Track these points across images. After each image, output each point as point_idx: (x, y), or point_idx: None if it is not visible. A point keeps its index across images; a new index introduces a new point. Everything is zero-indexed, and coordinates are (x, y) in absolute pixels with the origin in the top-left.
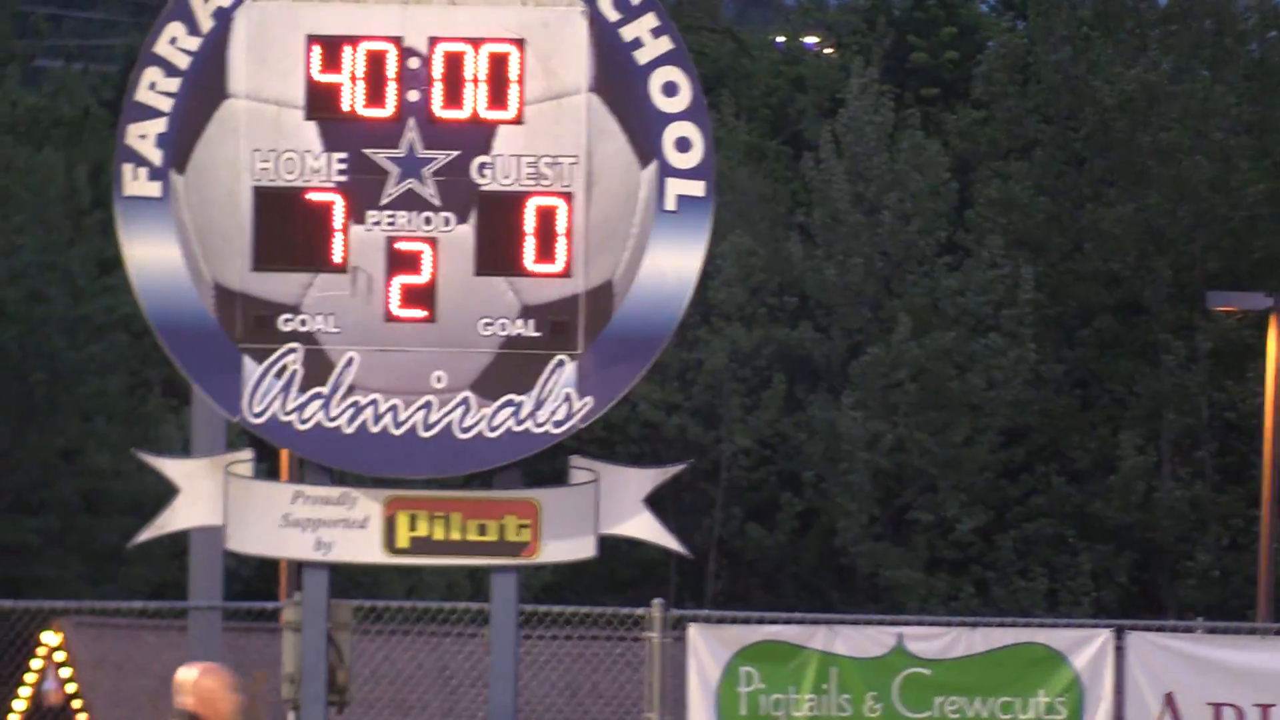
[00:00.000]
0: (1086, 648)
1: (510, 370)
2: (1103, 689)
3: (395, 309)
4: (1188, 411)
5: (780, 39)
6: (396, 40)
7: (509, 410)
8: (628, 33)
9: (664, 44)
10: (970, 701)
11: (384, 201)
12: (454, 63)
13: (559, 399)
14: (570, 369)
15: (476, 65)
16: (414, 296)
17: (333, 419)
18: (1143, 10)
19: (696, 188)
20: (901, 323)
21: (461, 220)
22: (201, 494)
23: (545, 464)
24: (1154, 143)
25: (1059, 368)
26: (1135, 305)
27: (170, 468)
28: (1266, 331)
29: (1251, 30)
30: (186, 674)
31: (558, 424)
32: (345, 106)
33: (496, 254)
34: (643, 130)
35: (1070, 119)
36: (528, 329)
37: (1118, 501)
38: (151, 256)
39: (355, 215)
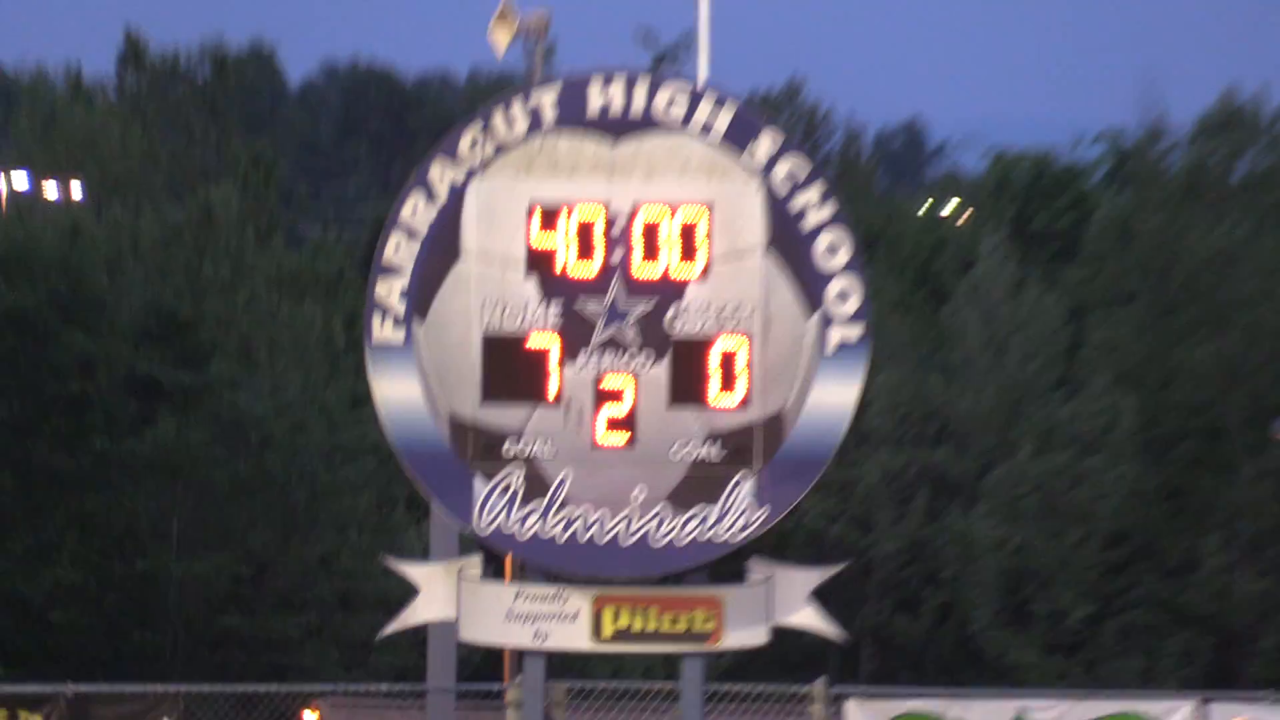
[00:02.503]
0: (1175, 716)
1: (698, 486)
2: None
3: (601, 436)
4: (1260, 517)
5: (924, 207)
6: (603, 208)
7: (697, 520)
8: (796, 203)
9: (827, 211)
10: None
11: (592, 345)
12: (651, 226)
13: (739, 511)
14: (749, 485)
15: (670, 228)
16: (617, 425)
17: (549, 529)
18: (1224, 182)
19: (854, 334)
20: (1024, 446)
21: (657, 361)
22: (438, 593)
23: (728, 564)
24: (1233, 294)
25: (1153, 482)
26: (1217, 430)
27: (412, 571)
28: None
29: None
30: None
31: (738, 532)
32: (559, 265)
33: (686, 389)
34: (809, 284)
35: (1164, 273)
36: (713, 452)
37: (1201, 593)
38: (396, 393)
39: (568, 357)
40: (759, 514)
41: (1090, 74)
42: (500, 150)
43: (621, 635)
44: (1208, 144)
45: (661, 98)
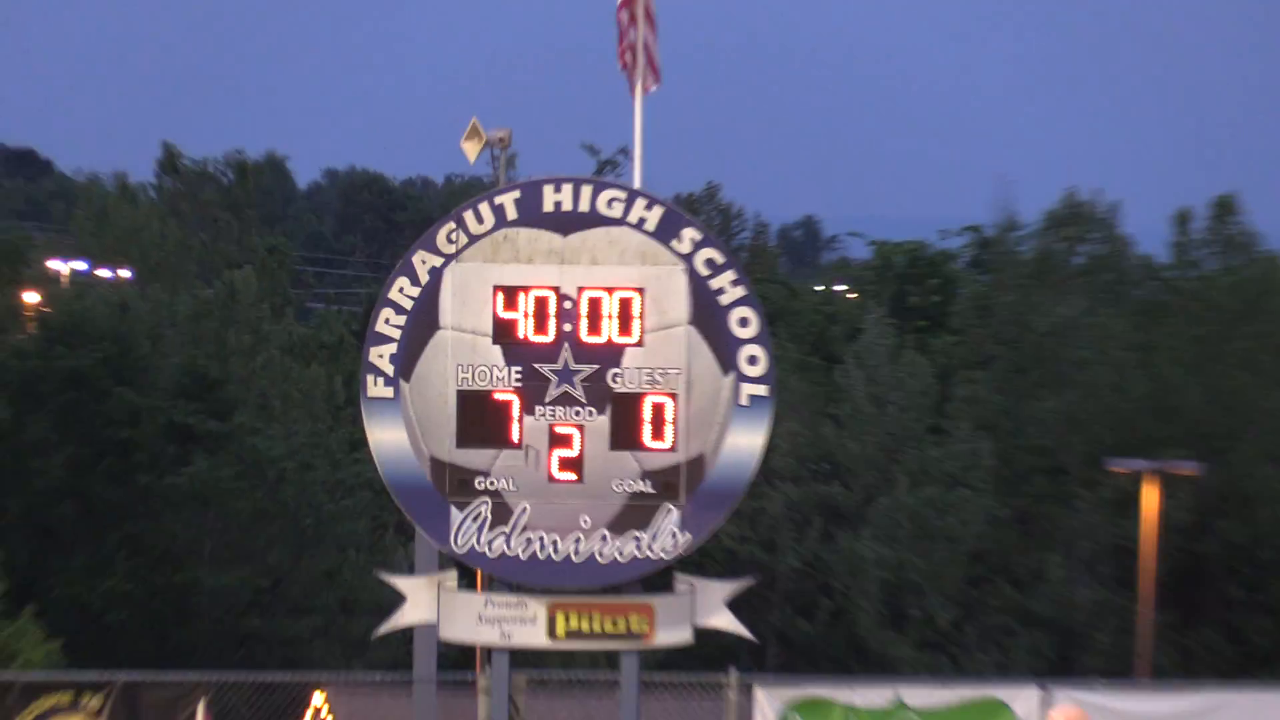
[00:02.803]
0: (1022, 696)
1: (634, 515)
2: None
3: (555, 473)
4: (1094, 540)
5: (819, 287)
6: (555, 289)
7: (634, 543)
8: (714, 284)
9: (739, 291)
10: None
11: (547, 400)
12: (595, 304)
13: (668, 534)
14: (675, 514)
15: (611, 305)
16: (568, 465)
17: (512, 549)
18: (1065, 266)
19: (761, 390)
20: (901, 481)
21: (600, 413)
22: (422, 600)
23: (658, 578)
24: (1072, 358)
25: (1007, 510)
26: (1059, 468)
27: (400, 583)
28: (1141, 485)
29: (1139, 280)
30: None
31: (666, 552)
32: (520, 334)
33: (624, 436)
34: (724, 350)
35: (1016, 341)
36: (646, 487)
37: (1046, 601)
38: (386, 438)
39: (527, 409)
40: (684, 538)
41: (954, 177)
42: (471, 240)
43: (572, 635)
44: (1053, 235)
45: (603, 199)
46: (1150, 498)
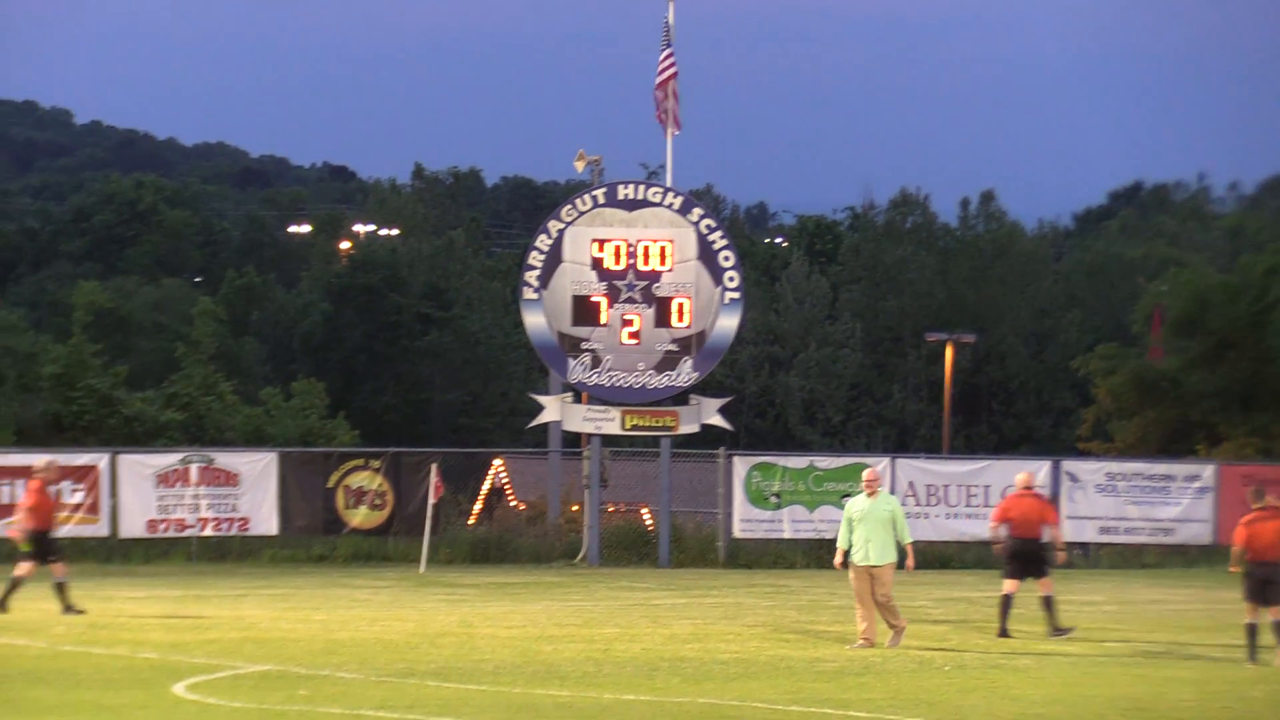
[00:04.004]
0: (878, 463)
1: (667, 362)
2: (888, 480)
3: (624, 340)
4: (917, 378)
5: (768, 240)
6: (625, 240)
7: (666, 377)
8: (710, 238)
9: (724, 241)
10: (836, 484)
11: (620, 300)
12: (646, 249)
13: (685, 373)
14: (689, 362)
15: (654, 250)
16: (632, 335)
17: (600, 381)
18: (903, 230)
19: (737, 296)
20: (810, 344)
21: (649, 307)
22: (553, 409)
23: (681, 397)
24: (905, 279)
25: (871, 359)
26: (899, 338)
27: (541, 399)
28: (945, 346)
29: (943, 234)
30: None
31: (684, 383)
32: (606, 265)
33: (662, 319)
34: (716, 273)
35: (874, 270)
36: (673, 347)
37: (893, 410)
38: (534, 321)
39: (611, 305)
40: (694, 375)
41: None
42: (580, 214)
43: (634, 427)
44: (895, 212)
45: (650, 192)
46: (949, 354)
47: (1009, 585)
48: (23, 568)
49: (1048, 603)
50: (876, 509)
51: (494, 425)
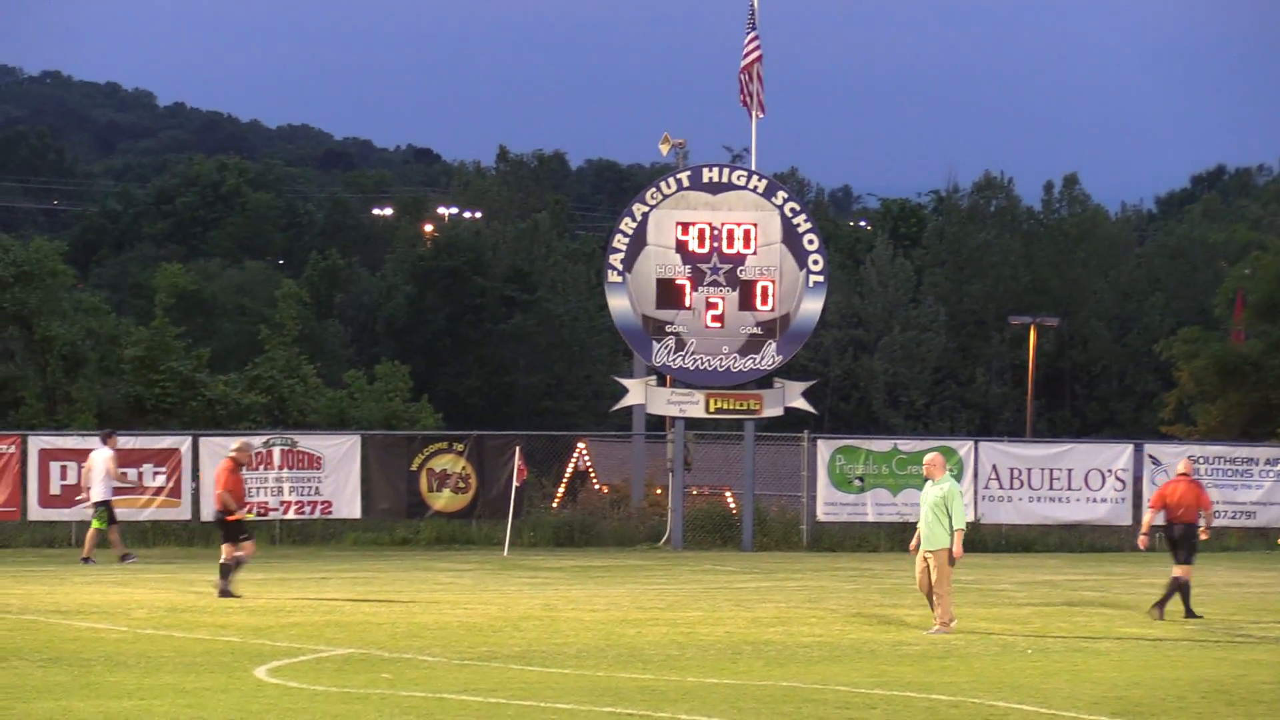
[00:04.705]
0: (962, 446)
1: (751, 345)
2: (970, 463)
3: (708, 323)
4: (1001, 360)
5: (853, 223)
6: (710, 223)
7: (751, 360)
8: (795, 220)
9: (808, 224)
10: (919, 468)
11: (705, 283)
12: (730, 232)
13: (769, 357)
14: (773, 345)
15: (739, 232)
16: (716, 318)
17: (685, 363)
18: (988, 213)
19: (821, 279)
20: (895, 328)
21: (733, 290)
22: (637, 392)
23: (765, 380)
24: (992, 263)
25: (954, 343)
26: (982, 320)
27: (625, 382)
28: (1028, 330)
29: (1026, 218)
30: None
31: (768, 366)
32: (690, 248)
33: (746, 302)
34: (800, 256)
35: (958, 254)
36: (757, 331)
37: (976, 394)
38: (618, 304)
39: (694, 288)
40: (778, 358)
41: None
42: (665, 197)
43: (719, 410)
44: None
45: (735, 175)
46: (1032, 338)
47: (1184, 570)
48: (245, 547)
49: (1183, 589)
50: (929, 494)
51: (577, 408)
